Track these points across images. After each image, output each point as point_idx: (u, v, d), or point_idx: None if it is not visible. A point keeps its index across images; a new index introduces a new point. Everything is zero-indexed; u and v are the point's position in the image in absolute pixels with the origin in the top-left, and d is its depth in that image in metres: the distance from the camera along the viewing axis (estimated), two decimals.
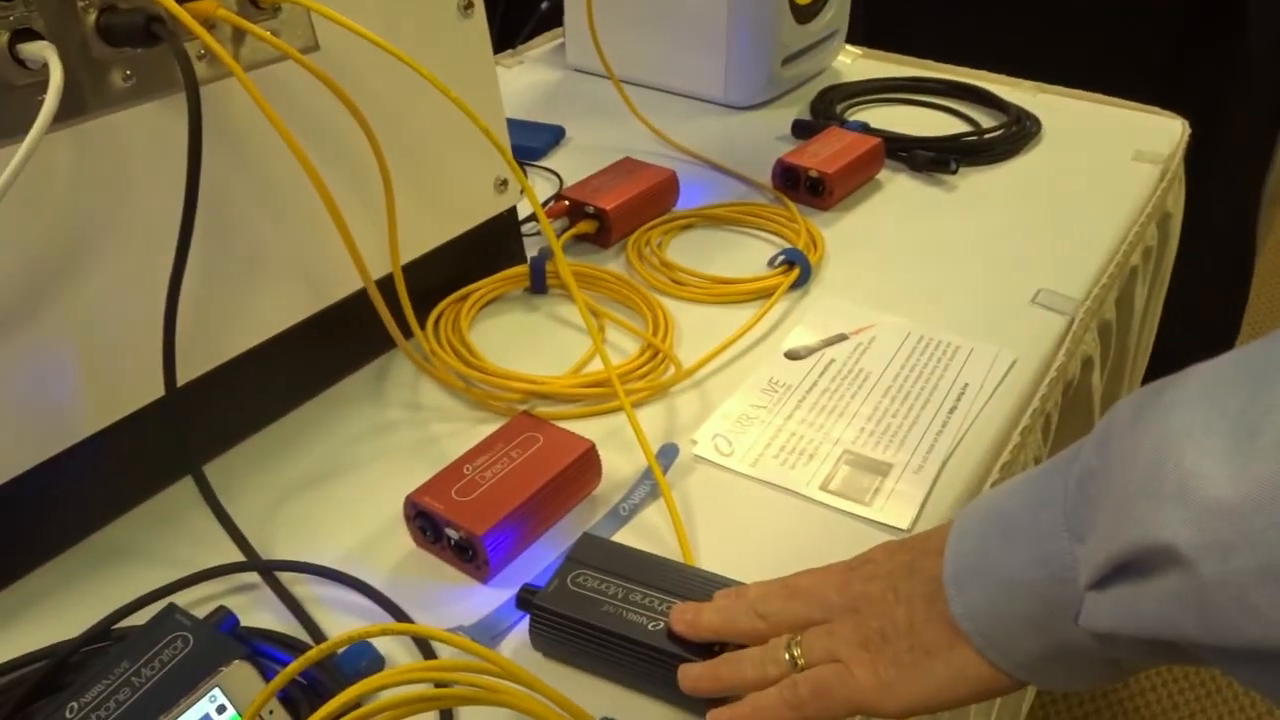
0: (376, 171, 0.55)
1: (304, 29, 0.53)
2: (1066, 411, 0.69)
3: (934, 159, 0.86)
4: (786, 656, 0.39)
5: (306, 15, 0.53)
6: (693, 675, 0.41)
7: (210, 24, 0.48)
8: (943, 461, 0.55)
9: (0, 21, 0.41)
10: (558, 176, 0.87)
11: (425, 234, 0.64)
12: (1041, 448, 0.63)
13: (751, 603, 0.42)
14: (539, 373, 0.61)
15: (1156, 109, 0.98)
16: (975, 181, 0.86)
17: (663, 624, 0.42)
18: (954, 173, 0.86)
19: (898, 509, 0.52)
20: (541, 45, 1.19)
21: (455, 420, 0.59)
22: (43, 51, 0.42)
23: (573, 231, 0.75)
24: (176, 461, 0.54)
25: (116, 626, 0.44)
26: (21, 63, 0.42)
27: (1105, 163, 0.88)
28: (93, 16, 0.44)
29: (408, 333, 0.60)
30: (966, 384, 0.61)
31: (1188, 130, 0.94)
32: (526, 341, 0.66)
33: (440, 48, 0.61)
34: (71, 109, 0.44)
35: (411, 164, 0.61)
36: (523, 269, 0.70)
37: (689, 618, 0.42)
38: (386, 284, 0.58)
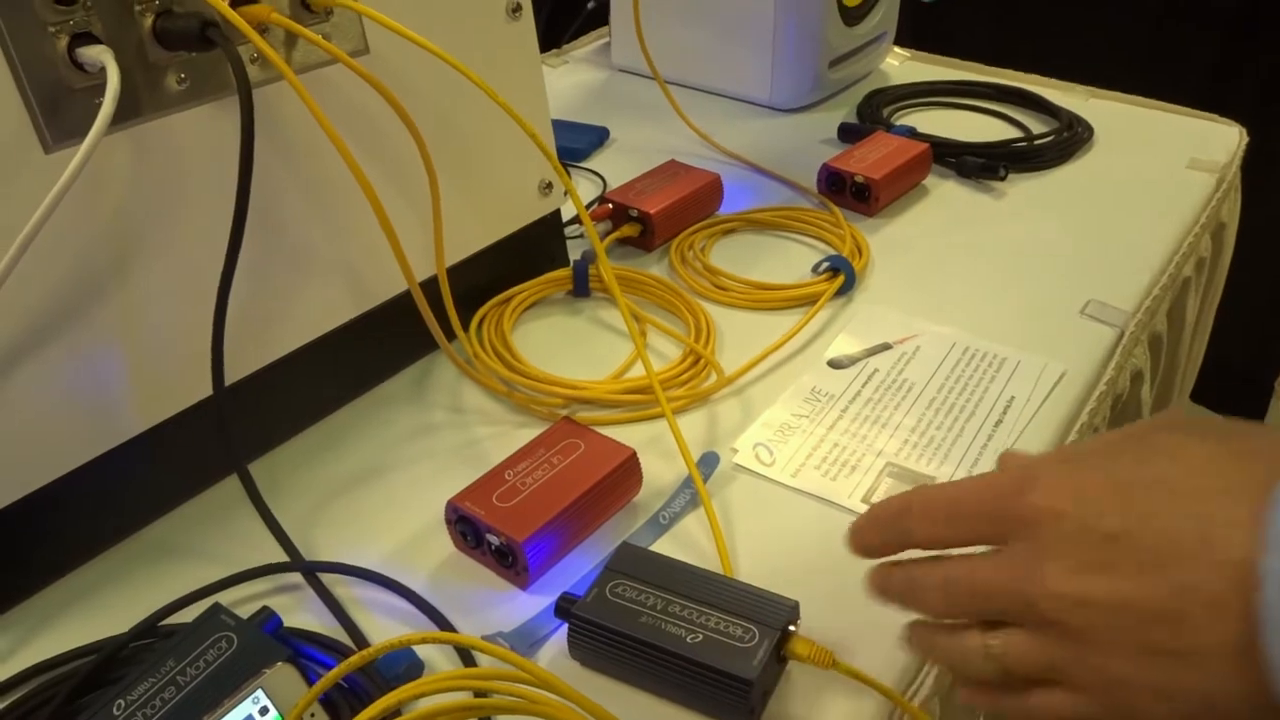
0: (423, 173, 0.55)
1: (354, 32, 0.53)
2: (1114, 426, 0.67)
3: (983, 165, 0.85)
4: (988, 664, 0.34)
5: (357, 18, 0.53)
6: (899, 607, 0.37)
7: (263, 28, 0.48)
8: None
9: (60, 26, 0.42)
10: (601, 178, 0.87)
11: (470, 236, 0.64)
12: None
13: (942, 584, 0.35)
14: (581, 376, 0.61)
15: (1213, 115, 0.95)
16: (1025, 189, 0.85)
17: (701, 636, 0.42)
18: (1003, 179, 0.85)
19: None
20: (586, 45, 1.19)
21: (497, 424, 0.59)
22: (100, 55, 0.42)
23: (616, 235, 0.75)
24: (223, 460, 0.54)
25: (163, 623, 0.45)
26: (80, 66, 0.43)
27: (1159, 171, 0.87)
28: (149, 21, 0.45)
29: (451, 335, 0.60)
30: (1013, 396, 0.61)
31: (1245, 138, 0.92)
32: (569, 345, 0.66)
33: (488, 50, 0.61)
34: (128, 111, 0.45)
35: (458, 166, 0.61)
36: (565, 272, 0.70)
37: (877, 579, 0.38)
38: (430, 286, 0.58)
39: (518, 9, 0.62)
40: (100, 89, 0.42)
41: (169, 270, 0.49)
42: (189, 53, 0.47)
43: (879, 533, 0.39)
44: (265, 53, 0.46)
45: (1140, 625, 0.29)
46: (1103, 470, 0.32)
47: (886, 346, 0.65)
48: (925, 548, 0.37)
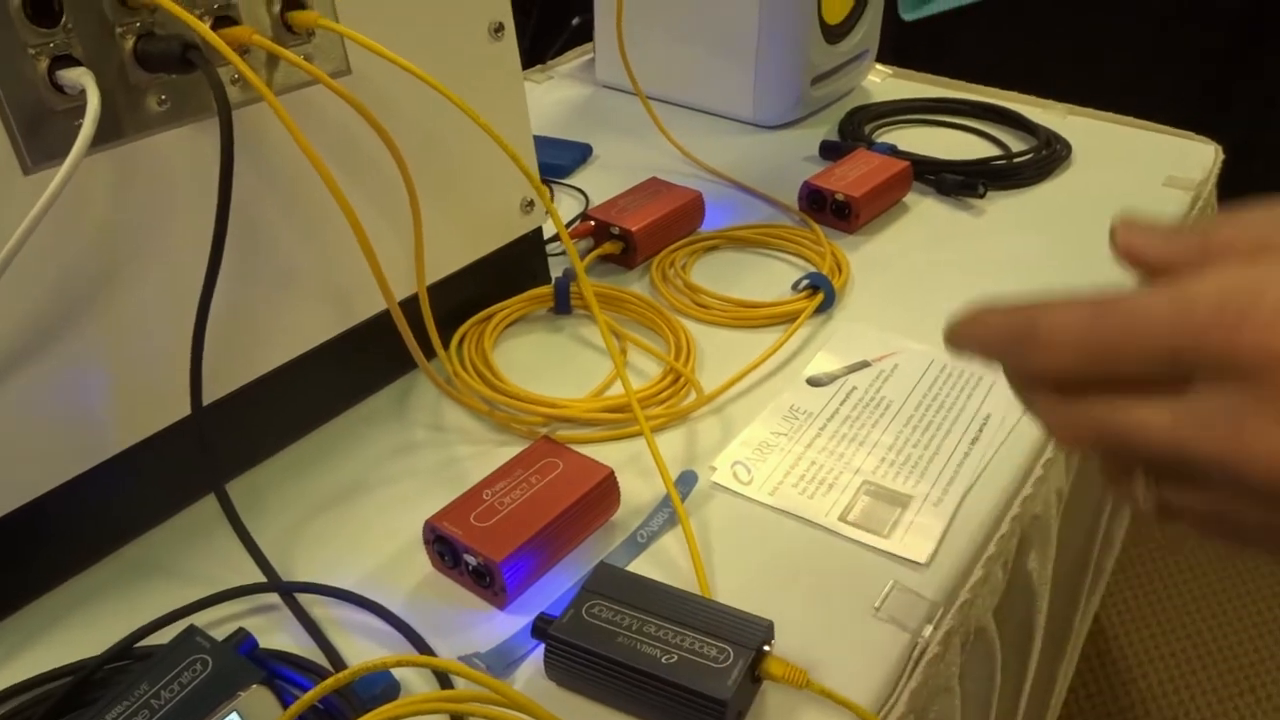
0: (405, 192, 0.55)
1: (336, 53, 0.54)
2: None
3: (962, 183, 0.86)
4: (1147, 503, 0.28)
5: (339, 39, 0.53)
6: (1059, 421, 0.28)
7: (244, 49, 0.48)
8: (963, 495, 0.55)
9: (40, 48, 0.42)
10: (584, 195, 0.87)
11: (451, 254, 0.64)
12: (1064, 480, 0.63)
13: (1096, 430, 0.28)
14: (562, 394, 0.62)
15: (1190, 133, 0.97)
16: (1004, 206, 0.86)
17: (676, 656, 0.42)
18: (982, 197, 0.86)
19: (916, 542, 0.52)
20: (571, 61, 1.19)
21: (478, 442, 0.60)
22: (81, 78, 0.43)
23: (597, 252, 0.75)
24: (203, 478, 0.54)
25: (139, 645, 0.45)
26: (60, 88, 0.43)
27: (1136, 188, 0.88)
28: (130, 43, 0.45)
29: (431, 353, 0.60)
30: (989, 414, 0.61)
31: (1221, 155, 0.93)
32: (549, 363, 0.66)
33: (470, 70, 0.61)
34: (108, 133, 0.45)
35: (439, 185, 0.61)
36: (547, 289, 0.71)
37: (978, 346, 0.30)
38: (413, 304, 0.58)
39: (500, 29, 0.63)
40: (81, 111, 0.42)
41: (151, 289, 0.49)
42: (170, 74, 0.47)
43: (984, 353, 0.31)
44: (246, 75, 0.46)
45: None
46: None
47: (865, 364, 0.66)
48: (1054, 385, 0.29)
